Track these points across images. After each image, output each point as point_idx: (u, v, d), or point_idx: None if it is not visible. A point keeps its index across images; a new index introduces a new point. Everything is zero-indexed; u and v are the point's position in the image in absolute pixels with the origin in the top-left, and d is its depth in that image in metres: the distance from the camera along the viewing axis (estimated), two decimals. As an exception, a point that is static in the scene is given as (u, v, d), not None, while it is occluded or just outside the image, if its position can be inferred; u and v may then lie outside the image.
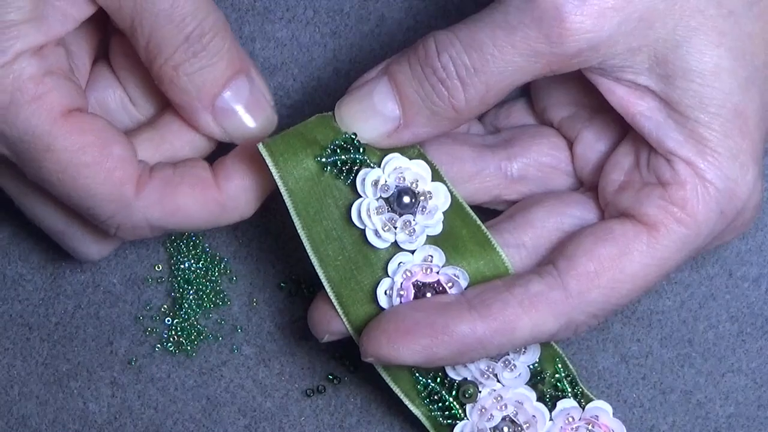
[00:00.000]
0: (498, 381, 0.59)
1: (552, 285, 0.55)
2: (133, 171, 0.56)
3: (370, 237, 0.57)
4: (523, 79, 0.54)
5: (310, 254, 0.57)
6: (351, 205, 0.57)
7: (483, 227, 0.58)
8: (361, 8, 0.66)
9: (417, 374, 0.59)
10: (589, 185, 0.60)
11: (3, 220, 0.67)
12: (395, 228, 0.57)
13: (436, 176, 0.58)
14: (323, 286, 0.58)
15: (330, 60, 0.66)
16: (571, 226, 0.58)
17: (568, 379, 0.60)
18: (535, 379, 0.59)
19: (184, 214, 0.57)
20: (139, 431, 0.66)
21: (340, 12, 0.66)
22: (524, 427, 0.59)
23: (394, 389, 0.59)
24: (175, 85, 0.57)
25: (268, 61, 0.66)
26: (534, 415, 0.59)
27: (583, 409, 0.59)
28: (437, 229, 0.57)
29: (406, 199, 0.57)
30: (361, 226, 0.57)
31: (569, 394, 0.59)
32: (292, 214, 0.57)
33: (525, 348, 0.59)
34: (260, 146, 0.56)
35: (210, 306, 0.66)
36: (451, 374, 0.59)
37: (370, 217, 0.56)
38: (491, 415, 0.59)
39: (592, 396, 0.60)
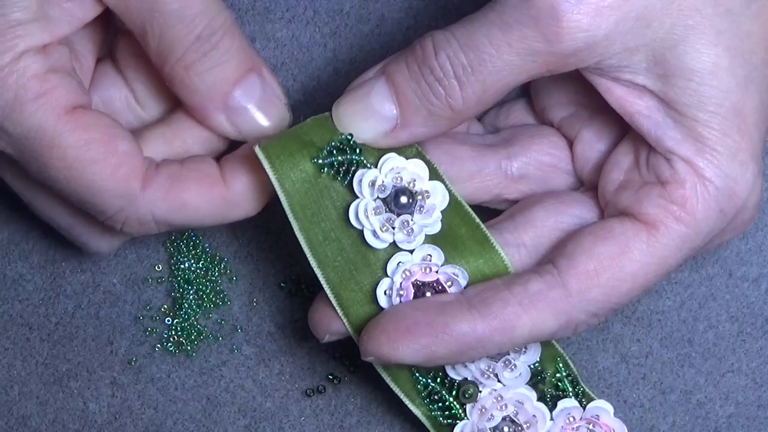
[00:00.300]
0: (498, 381, 0.59)
1: (552, 284, 0.55)
2: (138, 166, 0.56)
3: (369, 238, 0.57)
4: (520, 79, 0.54)
5: (308, 256, 0.57)
6: (348, 206, 0.57)
7: (482, 226, 0.58)
8: (361, 8, 0.66)
9: (417, 374, 0.59)
10: (589, 185, 0.60)
11: (3, 220, 0.67)
12: (393, 228, 0.57)
13: (434, 175, 0.58)
14: (322, 288, 0.58)
15: (330, 60, 0.66)
16: (571, 225, 0.58)
17: (569, 378, 0.60)
18: (535, 379, 0.59)
19: (191, 209, 0.57)
20: (139, 431, 0.66)
21: (340, 12, 0.66)
22: (524, 426, 0.59)
23: (394, 389, 0.59)
24: (187, 86, 0.57)
25: (268, 61, 0.65)
26: (534, 415, 0.59)
27: (584, 408, 0.59)
28: (435, 228, 0.57)
29: (404, 199, 0.57)
30: (359, 227, 0.57)
31: (570, 394, 0.59)
32: (289, 216, 0.57)
33: (525, 348, 0.59)
34: (256, 149, 0.56)
35: (210, 306, 0.66)
36: (451, 374, 0.59)
37: (367, 217, 0.56)
38: (491, 414, 0.59)
39: (593, 395, 0.60)
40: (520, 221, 0.59)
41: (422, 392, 0.59)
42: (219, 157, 0.58)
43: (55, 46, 0.55)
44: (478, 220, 0.58)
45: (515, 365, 0.59)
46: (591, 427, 0.59)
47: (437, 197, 0.57)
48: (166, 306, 0.66)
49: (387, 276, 0.57)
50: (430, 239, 0.57)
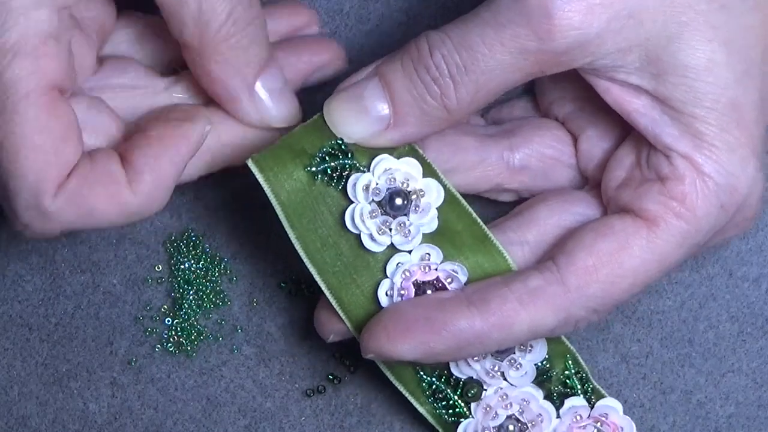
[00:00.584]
0: (505, 379, 0.59)
1: (550, 280, 0.55)
2: (60, 177, 0.54)
3: (366, 241, 0.57)
4: (513, 79, 0.54)
5: (306, 264, 0.57)
6: (345, 211, 0.57)
7: (479, 220, 0.58)
8: (361, 8, 0.66)
9: (421, 372, 0.59)
10: (593, 182, 0.60)
11: (3, 220, 0.66)
12: (390, 230, 0.57)
13: (428, 171, 0.58)
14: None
15: (330, 60, 0.66)
16: (575, 223, 0.58)
17: (578, 376, 0.60)
18: (542, 377, 0.59)
19: (98, 216, 0.55)
20: (139, 431, 0.66)
21: (340, 12, 0.66)
22: (529, 425, 0.59)
23: (398, 387, 0.60)
24: (221, 63, 0.56)
25: (268, 61, 0.66)
26: (540, 414, 0.59)
27: (593, 406, 0.59)
28: (432, 226, 0.57)
29: (399, 201, 0.57)
30: (356, 231, 0.57)
31: (579, 392, 0.59)
32: (285, 226, 0.57)
33: (531, 346, 0.59)
34: (249, 162, 0.56)
35: (210, 306, 0.66)
36: (456, 373, 0.59)
37: (363, 222, 0.57)
38: (496, 413, 0.59)
39: (603, 393, 0.60)
40: (523, 220, 0.59)
41: (426, 391, 0.59)
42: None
43: (67, 12, 0.54)
44: (474, 215, 0.58)
45: (520, 364, 0.59)
46: (599, 425, 0.59)
47: (432, 195, 0.57)
48: (166, 306, 0.66)
49: (387, 277, 0.57)
50: (428, 237, 0.58)
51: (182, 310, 0.65)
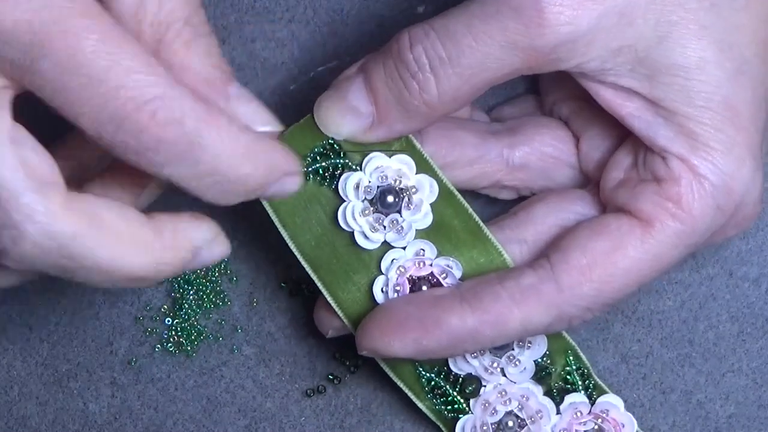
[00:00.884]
0: (504, 375, 0.59)
1: (544, 278, 0.55)
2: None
3: (359, 239, 0.57)
4: (499, 74, 0.54)
5: (302, 263, 0.58)
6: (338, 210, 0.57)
7: (475, 216, 0.58)
8: (361, 8, 0.66)
9: (420, 369, 0.59)
10: (594, 182, 0.60)
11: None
12: (384, 227, 0.57)
13: (423, 166, 0.58)
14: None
15: (330, 60, 0.66)
16: (573, 222, 0.58)
17: (579, 372, 0.60)
18: (542, 373, 0.59)
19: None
20: (139, 431, 0.66)
21: (340, 12, 0.66)
22: (528, 421, 0.59)
23: (398, 384, 0.60)
24: (187, 68, 0.51)
25: (268, 61, 0.65)
26: (539, 410, 0.59)
27: (594, 402, 0.59)
28: (426, 222, 0.58)
29: (390, 199, 0.57)
30: (349, 230, 0.57)
31: (579, 388, 0.59)
32: (278, 227, 0.57)
33: (530, 342, 0.59)
34: None
35: (210, 306, 0.66)
36: (454, 369, 0.59)
37: (356, 220, 0.57)
38: (495, 409, 0.59)
39: (606, 389, 0.60)
40: (522, 218, 0.59)
41: (426, 387, 0.59)
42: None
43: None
44: (471, 210, 0.58)
45: (519, 360, 0.59)
46: (599, 422, 0.59)
47: (424, 192, 0.58)
48: (166, 306, 0.66)
49: (382, 274, 0.57)
50: (423, 233, 0.58)
51: (182, 310, 0.65)
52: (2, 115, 0.48)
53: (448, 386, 0.59)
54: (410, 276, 0.58)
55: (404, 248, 0.58)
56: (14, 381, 0.66)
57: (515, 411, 0.59)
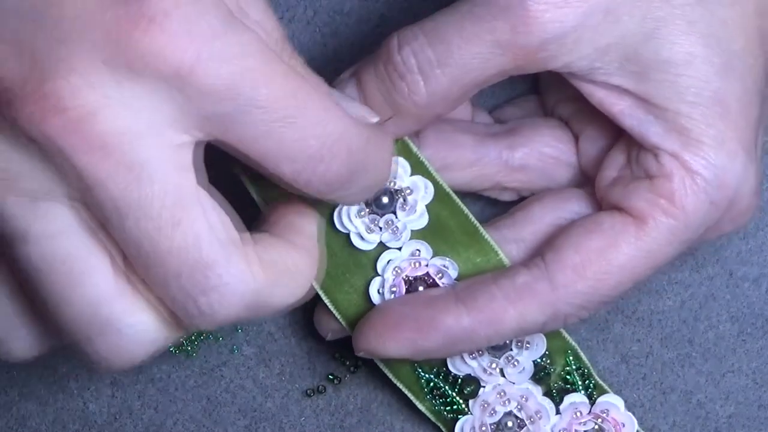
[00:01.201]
0: (503, 376, 0.59)
1: (538, 277, 0.55)
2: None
3: (355, 240, 0.57)
4: (488, 75, 0.54)
5: None
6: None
7: (471, 217, 0.58)
8: (361, 8, 0.66)
9: (419, 369, 0.59)
10: (593, 181, 0.60)
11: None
12: (380, 228, 0.57)
13: (419, 168, 0.58)
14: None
15: (330, 60, 0.66)
16: (570, 221, 0.58)
17: (579, 371, 0.60)
18: (541, 374, 0.59)
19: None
20: (139, 431, 0.66)
21: (340, 12, 0.66)
22: (528, 421, 0.59)
23: (397, 384, 0.60)
24: None
25: (267, 61, 0.65)
26: (538, 410, 0.59)
27: (594, 402, 0.59)
28: (422, 223, 0.58)
29: (384, 200, 0.57)
30: (345, 231, 0.57)
31: (579, 388, 0.59)
32: None
33: (529, 343, 0.59)
34: (236, 170, 0.56)
35: (210, 306, 0.66)
36: (453, 370, 0.59)
37: (351, 221, 0.57)
38: (494, 410, 0.59)
39: (606, 388, 0.60)
40: (519, 218, 0.59)
41: (425, 387, 0.60)
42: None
43: None
44: (467, 211, 0.58)
45: (517, 361, 0.59)
46: (599, 422, 0.59)
47: (419, 193, 0.58)
48: (166, 306, 0.66)
49: (379, 275, 0.58)
50: (419, 234, 0.58)
51: (182, 310, 0.66)
52: (195, 175, 0.47)
53: (447, 387, 0.59)
54: (406, 276, 0.58)
55: (400, 249, 0.58)
56: (14, 381, 0.66)
57: (514, 411, 0.59)
